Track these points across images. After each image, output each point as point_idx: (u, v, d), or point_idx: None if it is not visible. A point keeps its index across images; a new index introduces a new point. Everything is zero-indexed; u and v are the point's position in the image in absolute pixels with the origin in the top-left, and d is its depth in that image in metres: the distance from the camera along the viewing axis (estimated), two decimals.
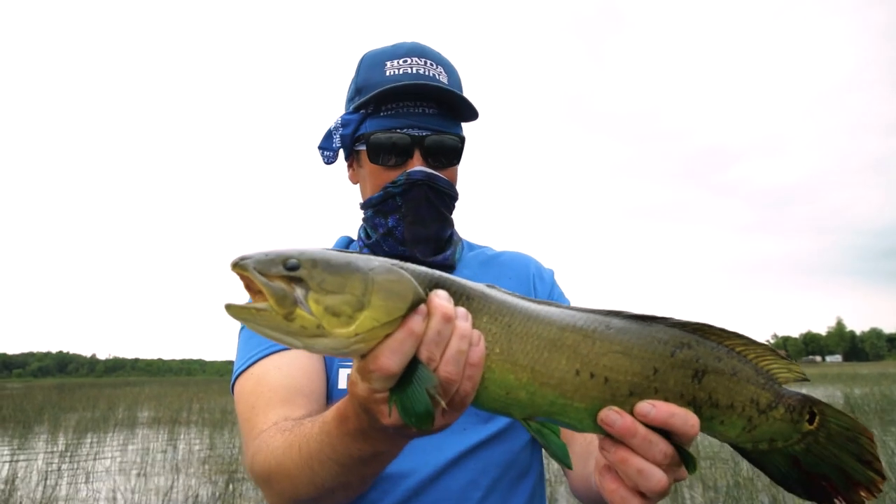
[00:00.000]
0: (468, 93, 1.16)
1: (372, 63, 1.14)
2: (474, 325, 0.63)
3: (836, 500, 0.70)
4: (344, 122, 1.13)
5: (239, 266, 0.59)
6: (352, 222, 1.28)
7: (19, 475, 7.36)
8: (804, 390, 0.72)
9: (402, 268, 0.63)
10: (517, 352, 0.64)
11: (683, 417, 0.64)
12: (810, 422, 0.70)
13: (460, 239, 1.26)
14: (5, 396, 22.95)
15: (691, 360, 0.67)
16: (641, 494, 0.65)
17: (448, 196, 1.13)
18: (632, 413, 0.64)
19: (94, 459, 9.17)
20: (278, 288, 0.58)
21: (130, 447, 10.37)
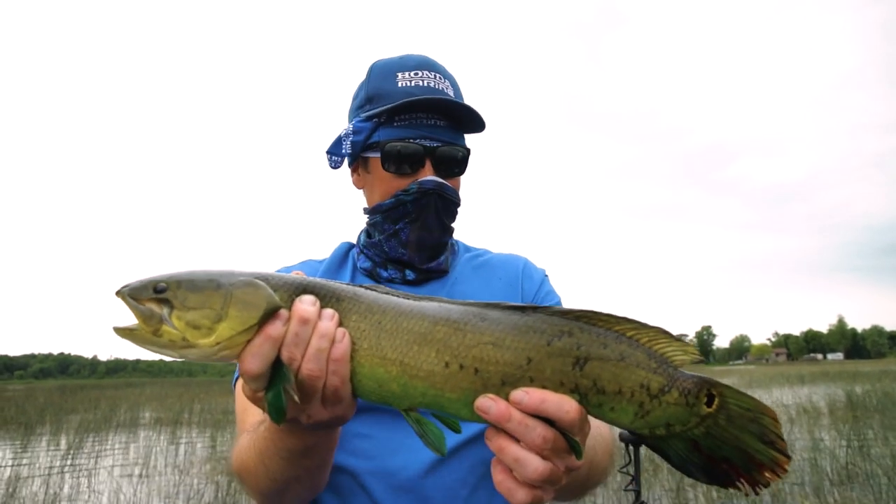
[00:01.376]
0: (471, 103, 1.19)
1: (383, 73, 1.17)
2: (344, 325, 0.69)
3: (738, 483, 0.68)
4: (356, 130, 1.16)
5: (118, 294, 0.69)
6: (352, 225, 1.28)
7: (22, 477, 7.37)
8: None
9: (268, 279, 0.70)
10: (386, 347, 0.68)
11: (557, 403, 0.64)
12: (708, 404, 0.67)
13: (456, 242, 1.29)
14: (7, 398, 22.98)
15: (571, 348, 0.66)
16: (530, 485, 0.65)
17: (453, 204, 1.18)
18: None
19: (96, 460, 9.18)
20: (144, 309, 0.67)
21: (132, 448, 10.39)
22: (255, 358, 0.65)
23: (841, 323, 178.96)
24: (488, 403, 0.64)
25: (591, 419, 0.71)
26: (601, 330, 0.67)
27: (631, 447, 3.27)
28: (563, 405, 0.64)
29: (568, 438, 0.65)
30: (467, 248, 1.33)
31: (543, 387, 0.65)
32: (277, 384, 0.67)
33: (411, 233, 1.14)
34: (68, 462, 8.78)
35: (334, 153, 1.18)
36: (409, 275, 1.18)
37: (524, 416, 0.64)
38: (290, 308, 0.68)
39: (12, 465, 8.41)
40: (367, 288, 0.73)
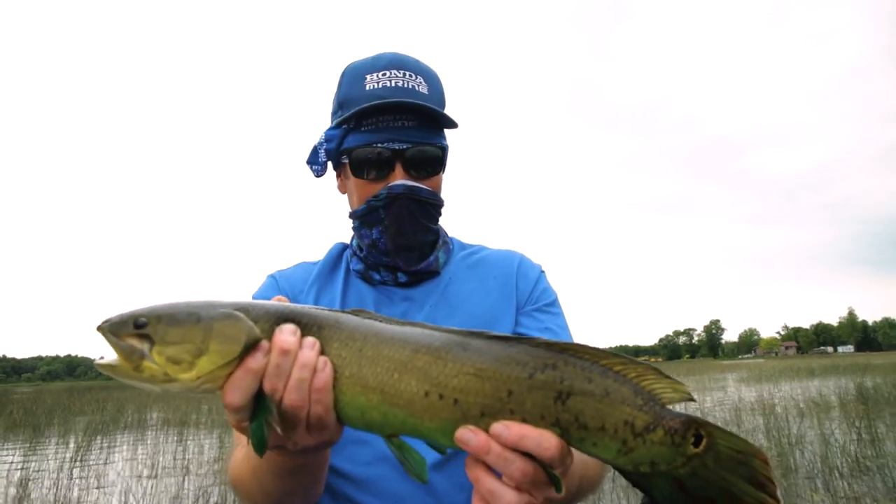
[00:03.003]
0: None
1: (352, 77, 1.14)
2: (325, 352, 0.68)
3: None
4: (328, 138, 1.15)
5: (98, 329, 0.68)
6: (345, 225, 1.27)
7: (31, 479, 7.41)
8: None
9: (248, 309, 0.69)
10: (367, 375, 0.67)
11: (536, 440, 0.62)
12: (696, 444, 0.64)
13: (449, 241, 1.26)
14: (15, 401, 23.14)
15: (553, 382, 0.64)
16: None
17: (430, 205, 1.14)
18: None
19: (105, 462, 9.22)
20: (125, 345, 0.66)
21: (140, 449, 10.43)
22: (237, 391, 0.65)
23: (851, 315, 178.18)
24: (468, 435, 0.63)
25: None
26: (587, 363, 0.65)
27: None
28: (543, 441, 0.62)
29: (548, 472, 0.63)
30: (462, 246, 1.30)
31: (524, 420, 0.64)
32: (260, 415, 0.66)
33: (388, 240, 1.12)
34: (77, 464, 8.82)
35: (313, 163, 1.17)
36: (401, 277, 1.17)
37: (503, 450, 0.62)
38: (270, 338, 0.67)
39: (21, 468, 8.45)
40: (349, 313, 0.72)
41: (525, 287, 1.22)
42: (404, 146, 1.10)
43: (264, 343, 0.67)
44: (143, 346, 0.66)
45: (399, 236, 1.12)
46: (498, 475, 0.64)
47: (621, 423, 0.64)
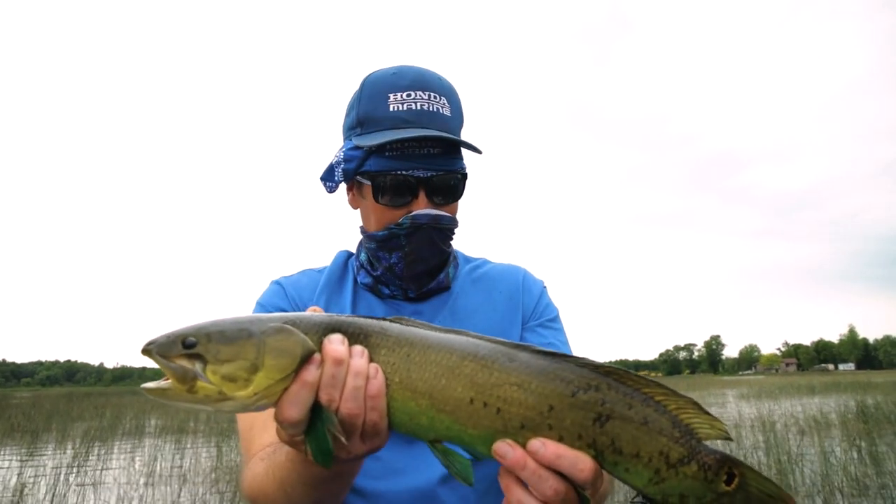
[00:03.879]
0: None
1: (374, 92, 1.11)
2: (374, 359, 0.69)
3: None
4: (347, 158, 1.12)
5: (144, 351, 0.67)
6: (347, 230, 1.27)
7: (28, 485, 7.38)
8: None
9: (296, 321, 0.69)
10: (416, 380, 0.67)
11: (572, 461, 0.63)
12: (728, 483, 0.66)
13: (456, 254, 1.27)
14: (14, 405, 23.09)
15: (595, 403, 0.65)
16: None
17: (450, 231, 1.14)
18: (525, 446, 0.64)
19: (102, 469, 9.18)
20: (177, 367, 0.65)
21: (138, 456, 10.39)
22: (294, 405, 0.65)
23: (852, 333, 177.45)
24: (506, 449, 0.64)
25: None
26: (629, 389, 0.65)
27: None
28: (578, 463, 0.63)
29: (579, 493, 0.64)
30: (466, 259, 1.31)
31: (561, 437, 0.65)
32: (319, 427, 0.67)
33: (406, 266, 1.12)
34: (74, 470, 8.78)
35: (328, 180, 1.17)
36: (411, 292, 1.17)
37: (538, 467, 0.63)
38: (320, 349, 0.68)
39: (18, 473, 8.42)
40: (391, 321, 0.73)
41: (529, 302, 1.23)
42: (429, 174, 1.08)
43: (316, 355, 0.67)
44: (196, 365, 0.65)
45: (417, 263, 1.12)
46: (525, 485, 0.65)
47: (656, 453, 0.64)
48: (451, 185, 1.12)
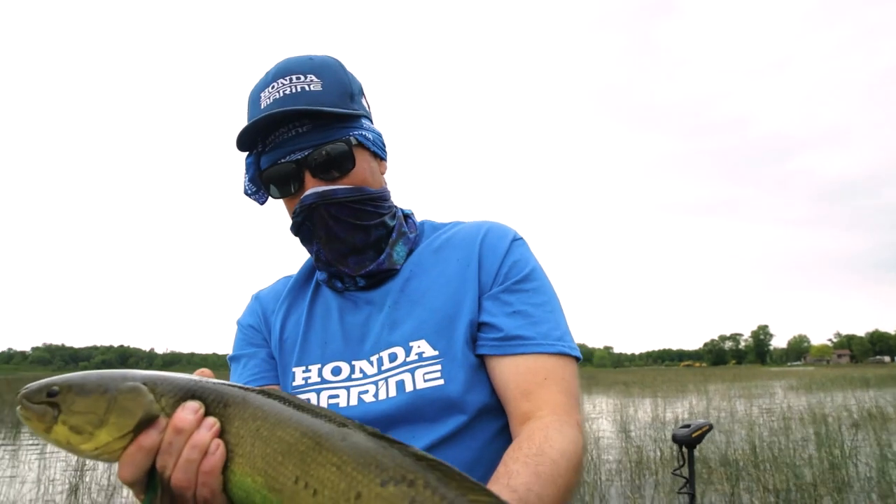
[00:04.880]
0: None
1: (251, 100, 1.09)
2: (227, 430, 0.67)
3: None
4: (246, 167, 1.12)
5: (18, 396, 0.71)
6: None
7: (88, 466, 7.74)
8: None
9: (157, 383, 0.69)
10: (257, 456, 0.65)
11: None
12: None
13: (413, 229, 1.18)
14: None
15: (401, 498, 0.57)
16: None
17: (356, 203, 1.06)
18: None
19: None
20: (37, 408, 0.68)
21: None
22: (129, 466, 0.66)
23: None
24: None
25: (543, 447, 0.81)
26: (450, 492, 0.57)
27: (685, 449, 3.16)
28: None
29: None
30: (434, 227, 1.22)
31: None
32: (151, 491, 0.68)
33: (325, 250, 1.08)
34: None
35: (248, 193, 1.15)
36: (360, 281, 1.11)
37: None
38: (171, 413, 0.68)
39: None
40: (258, 391, 0.70)
41: (491, 264, 1.08)
42: (305, 153, 1.04)
43: (161, 419, 0.67)
44: (54, 412, 0.68)
45: (333, 243, 1.07)
46: None
47: None
48: (332, 157, 1.04)
